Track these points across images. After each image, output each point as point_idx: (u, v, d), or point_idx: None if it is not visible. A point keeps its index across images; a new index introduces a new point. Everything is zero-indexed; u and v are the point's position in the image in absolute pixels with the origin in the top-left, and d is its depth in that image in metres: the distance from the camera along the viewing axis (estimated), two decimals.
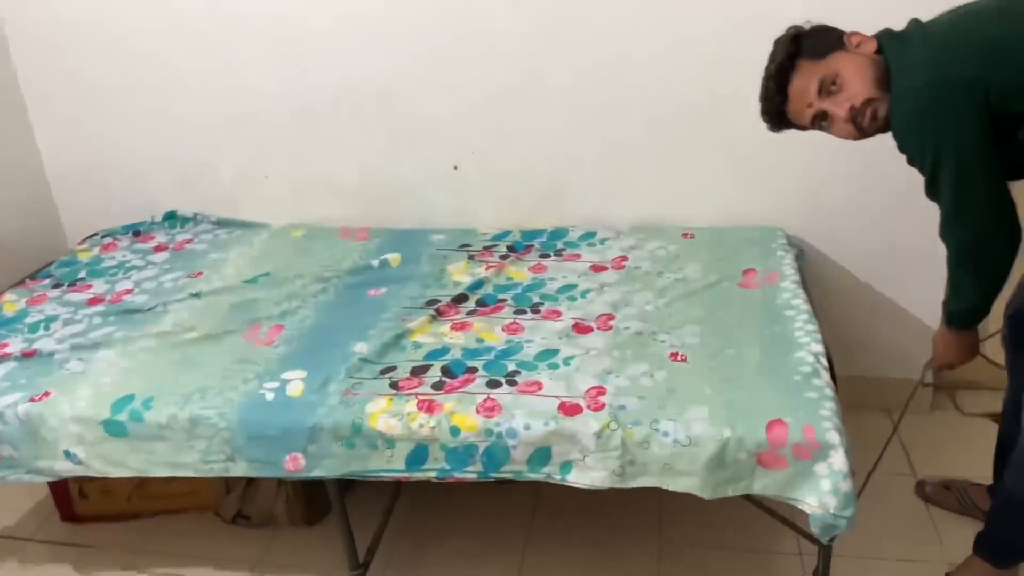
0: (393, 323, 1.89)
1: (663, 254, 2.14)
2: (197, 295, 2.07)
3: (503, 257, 2.19)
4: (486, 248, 2.24)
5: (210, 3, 2.24)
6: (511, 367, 1.70)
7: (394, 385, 1.66)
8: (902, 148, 1.45)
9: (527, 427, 1.52)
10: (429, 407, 1.58)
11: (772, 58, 1.50)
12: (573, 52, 2.17)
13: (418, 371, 1.70)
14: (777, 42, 1.50)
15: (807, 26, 1.50)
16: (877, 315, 2.29)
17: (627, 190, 2.32)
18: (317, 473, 1.60)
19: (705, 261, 2.08)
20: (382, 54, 2.24)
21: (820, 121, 1.48)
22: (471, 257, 2.20)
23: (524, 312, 1.92)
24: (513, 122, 2.27)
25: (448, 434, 1.54)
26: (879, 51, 1.44)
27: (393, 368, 1.71)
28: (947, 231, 1.48)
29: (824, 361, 1.63)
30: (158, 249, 2.38)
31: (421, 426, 1.55)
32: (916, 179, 2.00)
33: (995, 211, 1.42)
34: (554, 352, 1.74)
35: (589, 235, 2.28)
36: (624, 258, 2.14)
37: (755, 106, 2.07)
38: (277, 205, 2.48)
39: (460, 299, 1.99)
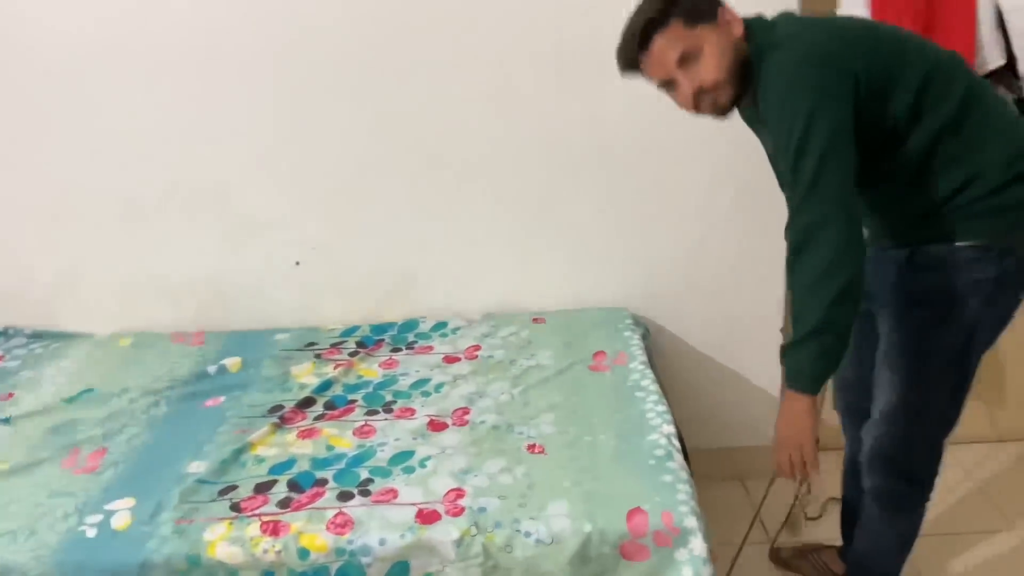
0: (232, 436, 1.76)
1: (515, 340, 2.13)
2: (6, 420, 1.86)
3: (352, 354, 2.11)
4: (334, 346, 2.16)
5: (16, 92, 2.07)
6: (364, 475, 1.61)
7: (235, 507, 1.52)
8: (769, 120, 1.40)
9: (382, 542, 1.44)
10: (274, 529, 1.46)
11: (643, 9, 1.42)
12: (415, 143, 2.16)
13: (262, 488, 1.58)
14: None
15: None
16: (723, 387, 2.36)
17: (476, 277, 2.30)
18: None
19: (556, 346, 2.09)
20: (216, 147, 2.14)
21: (666, 85, 1.46)
22: (318, 356, 2.10)
23: (376, 412, 1.84)
24: (356, 215, 2.22)
25: (296, 557, 1.43)
26: (746, 38, 1.43)
27: (234, 487, 1.58)
28: (795, 219, 1.38)
29: (676, 442, 1.65)
30: None
31: (266, 551, 1.43)
32: (749, 252, 2.12)
33: (845, 202, 1.34)
34: (409, 454, 1.67)
35: (441, 325, 2.24)
36: (477, 347, 2.10)
37: (593, 193, 2.15)
38: (101, 312, 2.30)
39: (306, 403, 1.88)
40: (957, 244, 1.46)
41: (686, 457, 1.65)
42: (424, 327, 2.23)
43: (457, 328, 2.22)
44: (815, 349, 1.37)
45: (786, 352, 1.43)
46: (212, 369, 2.04)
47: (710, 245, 2.26)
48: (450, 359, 2.06)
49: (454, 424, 1.77)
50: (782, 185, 1.49)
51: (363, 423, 1.80)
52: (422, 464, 1.63)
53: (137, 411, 1.88)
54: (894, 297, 1.56)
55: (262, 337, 2.22)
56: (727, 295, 2.30)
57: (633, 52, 1.43)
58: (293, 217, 2.22)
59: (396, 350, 2.13)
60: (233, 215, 2.21)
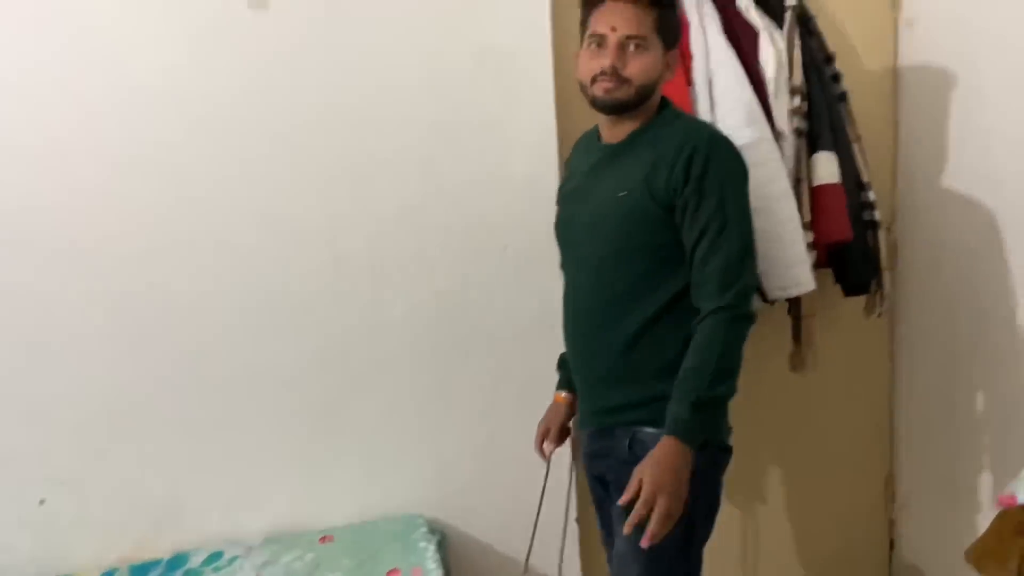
0: None
1: (300, 567, 1.96)
2: None
3: None
4: None
5: None
6: None
7: None
8: (702, 188, 1.48)
9: None
10: None
11: None
12: (175, 358, 2.01)
13: None
14: None
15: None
16: None
17: (256, 499, 2.12)
18: None
19: (346, 569, 1.94)
20: None
21: (600, 39, 1.53)
22: None
23: None
24: (113, 442, 2.01)
25: None
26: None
27: None
28: (732, 276, 1.49)
29: None
30: None
31: None
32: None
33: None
34: None
35: (216, 556, 2.02)
36: None
37: (377, 400, 2.09)
38: None
39: None
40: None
41: None
42: (195, 561, 2.00)
43: (234, 558, 2.01)
44: (719, 413, 1.56)
45: (703, 408, 1.48)
46: None
47: (499, 441, 2.24)
48: None
49: None
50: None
51: None
52: None
53: None
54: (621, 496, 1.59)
55: None
56: (520, 490, 2.26)
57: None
58: (34, 452, 1.96)
59: None
60: None
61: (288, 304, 2.06)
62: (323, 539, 2.07)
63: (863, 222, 2.23)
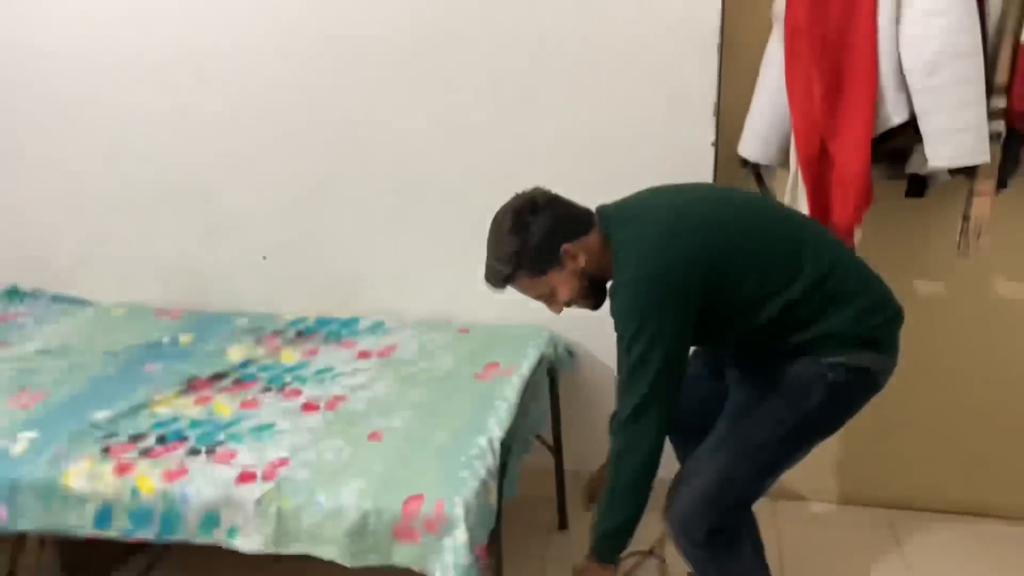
0: (144, 395, 2.04)
1: (431, 346, 2.31)
2: None
3: (287, 341, 2.36)
4: (276, 332, 2.42)
5: (48, 103, 2.53)
6: (221, 437, 1.84)
7: (106, 450, 1.80)
8: (615, 320, 1.59)
9: (199, 493, 1.67)
10: (121, 470, 1.72)
11: (495, 260, 1.67)
12: (367, 157, 2.41)
13: (136, 438, 1.85)
14: (500, 242, 1.66)
15: (531, 221, 1.64)
16: None
17: (418, 288, 2.51)
18: (21, 526, 1.74)
19: (462, 354, 2.25)
20: (202, 153, 2.50)
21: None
22: (258, 340, 2.37)
23: (270, 390, 2.08)
24: (315, 220, 2.51)
25: (129, 496, 1.68)
26: (602, 232, 1.65)
27: (115, 435, 1.86)
28: (624, 424, 1.58)
29: (496, 445, 1.77)
30: None
31: (107, 487, 1.69)
32: None
33: (666, 419, 1.57)
34: (269, 427, 1.89)
35: (378, 325, 2.46)
36: (392, 347, 2.30)
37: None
38: (107, 284, 2.69)
39: (218, 377, 2.15)
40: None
41: (503, 466, 1.76)
42: (362, 325, 2.46)
43: (390, 328, 2.43)
44: (628, 534, 1.65)
45: (605, 537, 1.65)
46: (166, 340, 2.36)
47: None
48: (363, 354, 2.27)
49: (324, 408, 1.98)
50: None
51: (252, 398, 2.04)
52: (271, 436, 1.85)
53: (87, 367, 2.22)
54: (751, 369, 1.71)
55: (226, 319, 2.52)
56: None
57: (496, 287, 1.70)
58: (264, 218, 2.53)
59: (326, 342, 2.36)
60: (214, 213, 2.54)
61: (463, 126, 2.33)
62: (461, 330, 2.41)
63: None
